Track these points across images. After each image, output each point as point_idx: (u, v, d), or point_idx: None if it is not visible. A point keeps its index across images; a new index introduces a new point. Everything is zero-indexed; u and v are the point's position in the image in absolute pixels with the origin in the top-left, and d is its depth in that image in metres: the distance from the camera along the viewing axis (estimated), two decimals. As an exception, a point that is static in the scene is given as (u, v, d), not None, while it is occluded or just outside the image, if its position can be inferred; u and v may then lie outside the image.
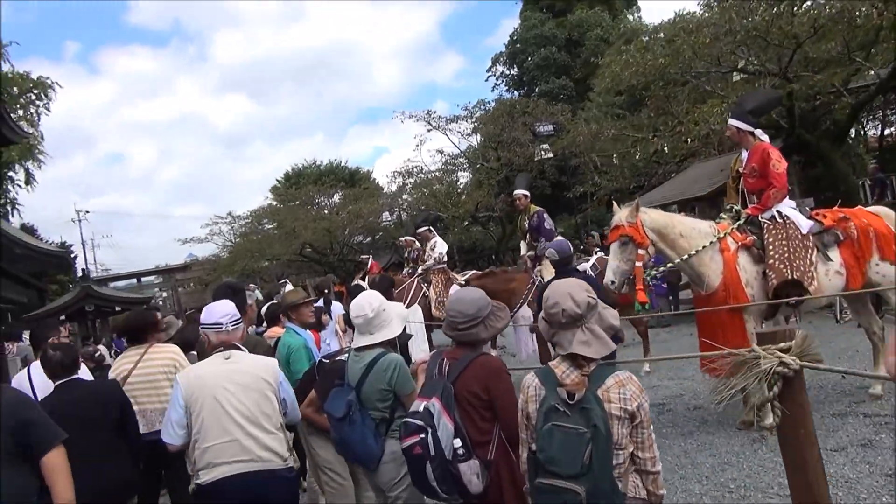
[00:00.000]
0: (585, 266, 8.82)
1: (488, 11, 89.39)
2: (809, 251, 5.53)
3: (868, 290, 5.78)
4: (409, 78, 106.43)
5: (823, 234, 5.68)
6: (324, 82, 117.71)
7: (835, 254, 5.65)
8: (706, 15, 11.91)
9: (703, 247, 5.54)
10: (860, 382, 6.61)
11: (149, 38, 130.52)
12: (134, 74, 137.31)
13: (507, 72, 37.36)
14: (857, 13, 10.90)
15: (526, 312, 8.30)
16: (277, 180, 42.99)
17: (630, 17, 36.72)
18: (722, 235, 5.62)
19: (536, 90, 32.99)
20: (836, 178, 13.74)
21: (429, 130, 25.04)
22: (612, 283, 5.41)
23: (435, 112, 25.28)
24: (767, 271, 5.47)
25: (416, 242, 12.91)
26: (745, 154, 5.97)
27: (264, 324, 6.70)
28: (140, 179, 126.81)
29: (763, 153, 5.74)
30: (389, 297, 6.83)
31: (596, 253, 9.70)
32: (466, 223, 28.79)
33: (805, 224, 5.63)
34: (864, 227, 5.76)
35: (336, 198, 32.61)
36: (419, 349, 10.21)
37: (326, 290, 9.11)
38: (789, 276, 5.36)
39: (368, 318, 3.42)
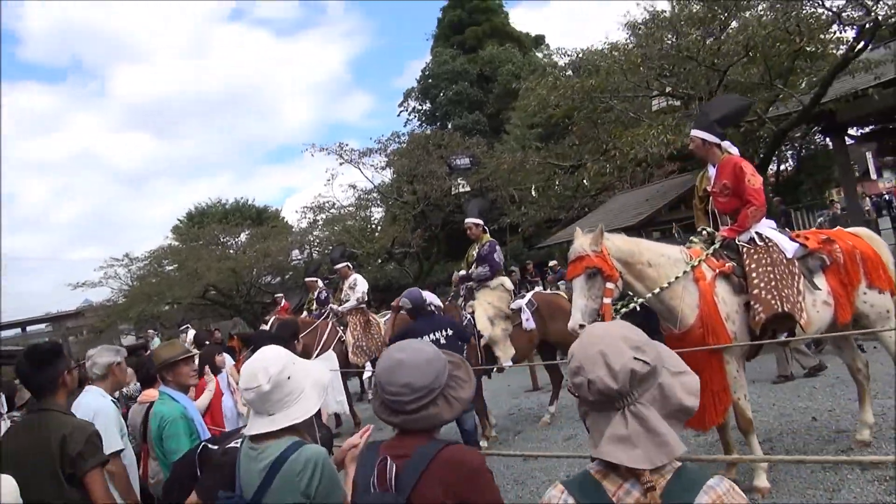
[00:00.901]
0: (520, 303, 7.90)
1: (396, 52, 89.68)
2: (796, 279, 4.76)
3: (868, 330, 5.07)
4: (318, 116, 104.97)
5: (808, 259, 4.92)
6: (231, 120, 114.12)
7: (821, 281, 4.91)
8: (626, 47, 11.50)
9: (676, 277, 4.69)
10: (836, 425, 5.93)
11: (44, 74, 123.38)
12: (28, 110, 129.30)
13: (420, 106, 36.94)
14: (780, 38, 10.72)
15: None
16: (179, 220, 40.70)
17: (539, 55, 37.19)
18: (696, 263, 4.78)
19: (450, 125, 32.60)
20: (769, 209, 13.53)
21: (341, 164, 23.88)
22: (582, 326, 4.46)
23: (347, 145, 24.19)
24: (752, 303, 4.65)
25: (320, 282, 11.76)
26: (712, 170, 5.20)
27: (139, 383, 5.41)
28: (32, 220, 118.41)
29: (735, 168, 4.98)
30: (292, 347, 5.67)
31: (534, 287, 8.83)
32: (381, 260, 27.67)
33: (790, 247, 4.88)
34: (849, 249, 5.07)
35: (242, 237, 30.84)
36: (335, 402, 8.99)
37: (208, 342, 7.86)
38: (779, 309, 4.55)
39: (263, 392, 2.24)
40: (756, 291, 4.62)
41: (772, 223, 5.09)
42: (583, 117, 13.51)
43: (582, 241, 4.60)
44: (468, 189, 22.91)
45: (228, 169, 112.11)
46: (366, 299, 10.29)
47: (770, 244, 4.87)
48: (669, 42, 10.60)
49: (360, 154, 24.22)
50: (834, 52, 12.05)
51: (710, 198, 5.23)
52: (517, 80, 32.37)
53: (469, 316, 7.55)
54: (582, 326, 4.43)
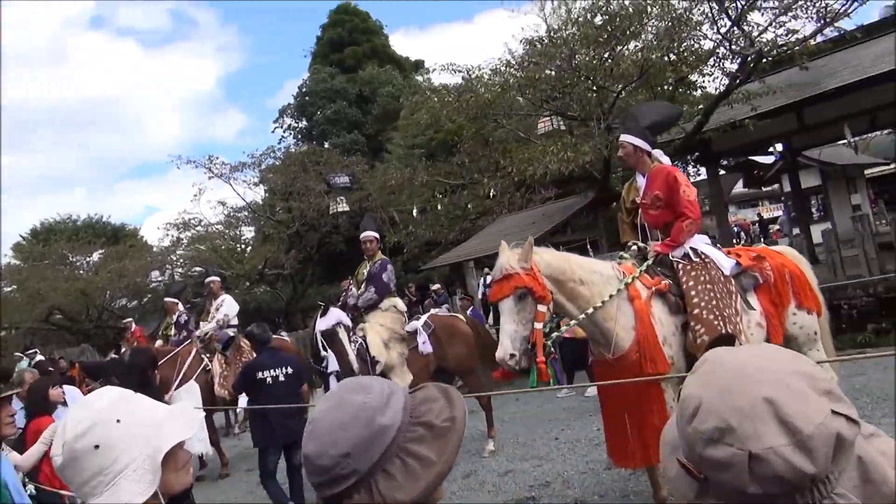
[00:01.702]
0: (416, 325, 7.18)
1: (273, 70, 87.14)
2: (734, 298, 4.36)
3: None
4: (188, 133, 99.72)
5: (741, 277, 4.55)
6: (90, 133, 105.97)
7: (754, 300, 4.54)
8: (523, 63, 11.24)
9: (611, 295, 4.15)
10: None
11: None
12: None
13: (296, 124, 35.66)
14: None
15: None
16: (22, 236, 36.75)
17: (419, 79, 37.10)
18: (630, 280, 4.27)
19: (326, 144, 31.61)
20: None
21: (210, 178, 22.24)
22: (513, 356, 3.80)
23: (218, 158, 22.59)
24: (693, 324, 4.18)
25: (180, 305, 10.51)
26: (641, 180, 4.76)
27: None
28: None
29: (668, 178, 4.55)
30: (147, 380, 4.64)
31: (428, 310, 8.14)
32: (250, 283, 26.06)
33: (727, 264, 4.48)
34: (779, 268, 4.75)
35: (95, 256, 28.11)
36: (197, 440, 7.84)
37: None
38: (723, 330, 4.12)
39: (58, 465, 1.36)
40: (696, 311, 4.16)
41: (705, 238, 4.70)
42: (471, 135, 13.16)
43: (509, 257, 3.96)
44: (346, 209, 22.06)
45: (84, 184, 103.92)
46: (232, 323, 9.20)
47: (707, 260, 4.45)
48: (563, 60, 10.43)
49: (231, 168, 22.75)
50: (715, 81, 12.39)
51: (639, 210, 4.78)
52: (397, 101, 32.27)
53: (360, 340, 6.73)
54: (513, 356, 3.78)
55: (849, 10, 11.65)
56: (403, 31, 72.71)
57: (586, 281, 4.14)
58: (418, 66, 40.16)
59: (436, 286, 18.68)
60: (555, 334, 4.12)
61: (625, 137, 4.72)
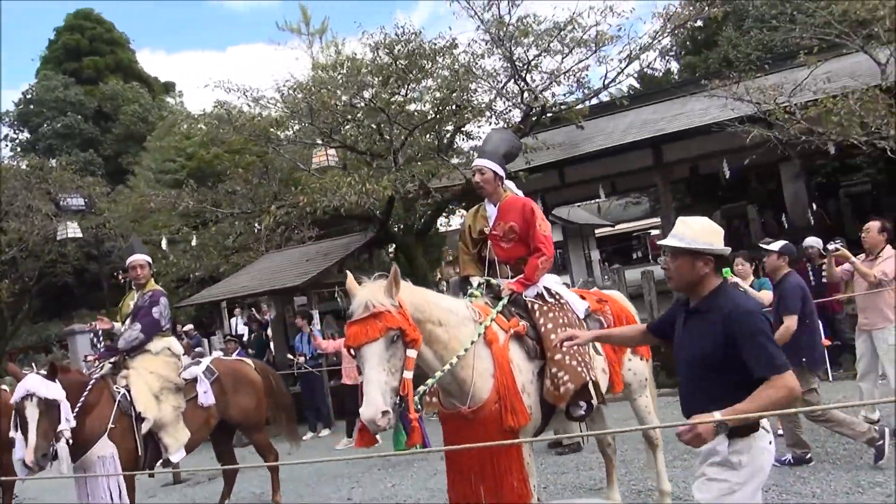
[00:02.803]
0: (196, 371, 6.01)
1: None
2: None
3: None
4: None
5: (588, 320, 4.32)
6: None
7: (599, 345, 4.33)
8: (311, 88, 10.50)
9: (472, 341, 3.64)
10: None
11: None
12: None
13: (16, 135, 30.68)
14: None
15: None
16: None
17: (171, 101, 34.25)
18: (488, 322, 3.80)
19: (53, 161, 27.51)
20: (416, 275, 13.51)
21: None
22: (386, 413, 3.07)
23: None
24: (555, 370, 3.80)
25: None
26: (491, 209, 4.36)
27: None
28: None
29: (525, 210, 4.21)
30: None
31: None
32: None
33: (581, 306, 4.21)
34: (618, 312, 4.63)
35: None
36: None
37: None
38: (587, 378, 3.81)
39: None
40: (559, 357, 3.79)
41: (556, 277, 4.41)
42: (244, 163, 12.05)
43: (373, 292, 3.26)
44: (78, 235, 19.12)
45: None
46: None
47: (562, 301, 4.15)
48: (355, 91, 9.99)
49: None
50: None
51: (487, 241, 4.35)
52: (144, 122, 29.32)
53: (123, 391, 5.40)
54: (386, 414, 3.05)
55: (607, 84, 12.85)
56: (150, 51, 67.08)
57: (444, 322, 3.58)
58: (168, 87, 37.15)
59: (187, 326, 16.78)
60: (422, 388, 3.46)
61: (484, 163, 4.31)
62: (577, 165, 13.87)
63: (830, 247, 6.18)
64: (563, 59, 11.29)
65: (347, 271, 3.67)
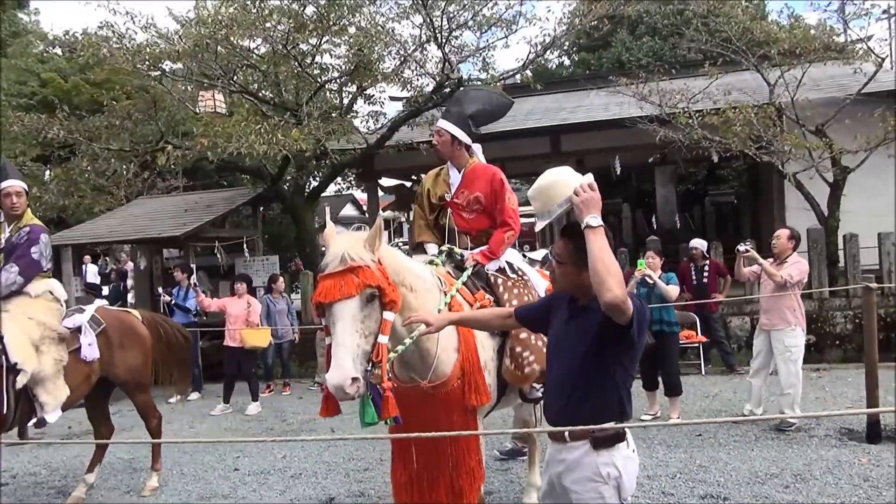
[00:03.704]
0: (80, 320, 5.28)
1: None
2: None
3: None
4: None
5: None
6: None
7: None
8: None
9: (439, 310, 3.37)
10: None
11: None
12: None
13: None
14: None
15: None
16: None
17: (25, 17, 30.52)
18: (453, 292, 3.55)
19: None
20: (304, 239, 12.95)
21: None
22: (355, 380, 2.71)
23: None
24: (518, 349, 3.62)
25: None
26: (455, 176, 4.08)
27: None
28: None
29: (494, 181, 3.98)
30: None
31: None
32: None
33: (541, 284, 4.05)
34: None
35: None
36: None
37: None
38: (551, 359, 3.66)
39: None
40: (524, 336, 3.61)
41: (516, 252, 4.22)
42: (118, 95, 10.80)
43: (352, 244, 2.88)
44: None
45: None
46: None
47: (525, 278, 3.97)
48: (272, 35, 9.16)
49: None
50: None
51: (445, 210, 4.08)
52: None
53: (-6, 337, 4.61)
54: (355, 381, 2.70)
55: (526, 64, 12.80)
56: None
57: (415, 288, 3.28)
58: (21, 3, 33.08)
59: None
60: (392, 354, 3.13)
61: (442, 124, 4.03)
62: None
63: (741, 248, 6.44)
64: (480, 34, 11.11)
65: (329, 223, 3.26)
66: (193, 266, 10.94)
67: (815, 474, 5.20)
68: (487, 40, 11.79)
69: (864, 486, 4.90)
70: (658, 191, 19.02)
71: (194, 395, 9.97)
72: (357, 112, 13.29)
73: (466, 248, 3.98)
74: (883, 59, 11.39)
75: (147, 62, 9.25)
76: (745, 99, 10.36)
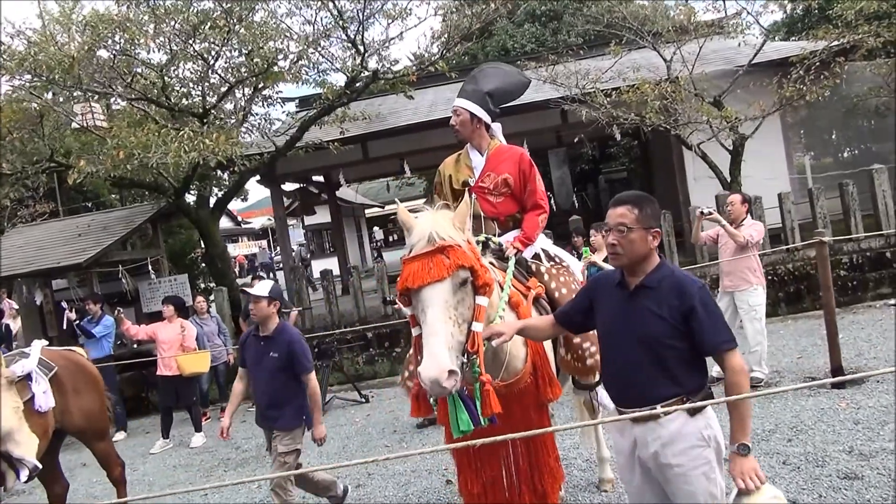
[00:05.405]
0: (28, 365, 4.55)
1: None
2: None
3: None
4: None
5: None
6: None
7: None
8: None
9: (505, 301, 3.12)
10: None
11: None
12: None
13: None
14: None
15: None
16: None
17: None
18: (508, 284, 3.29)
19: None
20: (214, 252, 12.10)
21: None
22: (452, 373, 2.39)
23: None
24: (577, 340, 3.42)
25: None
26: (477, 158, 3.80)
27: None
28: None
29: (523, 161, 3.72)
30: None
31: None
32: None
33: (577, 267, 3.86)
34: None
35: None
36: None
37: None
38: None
39: None
40: (579, 325, 3.41)
41: (546, 238, 3.99)
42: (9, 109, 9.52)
43: (438, 222, 2.59)
44: None
45: None
46: None
47: (565, 263, 3.77)
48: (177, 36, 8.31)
49: None
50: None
51: (468, 194, 3.78)
52: None
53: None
54: (452, 375, 2.39)
55: (443, 55, 12.55)
56: None
57: None
58: None
59: None
60: (487, 344, 2.76)
61: (459, 102, 3.74)
62: (382, 140, 13.44)
63: (704, 210, 6.49)
64: (386, 26, 10.76)
65: (397, 200, 2.91)
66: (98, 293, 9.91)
67: (808, 424, 5.38)
68: (390, 34, 11.46)
69: (860, 429, 5.10)
70: (553, 173, 19.43)
71: (120, 435, 9.02)
72: (257, 114, 12.58)
73: (495, 235, 3.72)
74: (770, 32, 12.15)
75: (32, 72, 8.15)
76: (651, 76, 10.72)
